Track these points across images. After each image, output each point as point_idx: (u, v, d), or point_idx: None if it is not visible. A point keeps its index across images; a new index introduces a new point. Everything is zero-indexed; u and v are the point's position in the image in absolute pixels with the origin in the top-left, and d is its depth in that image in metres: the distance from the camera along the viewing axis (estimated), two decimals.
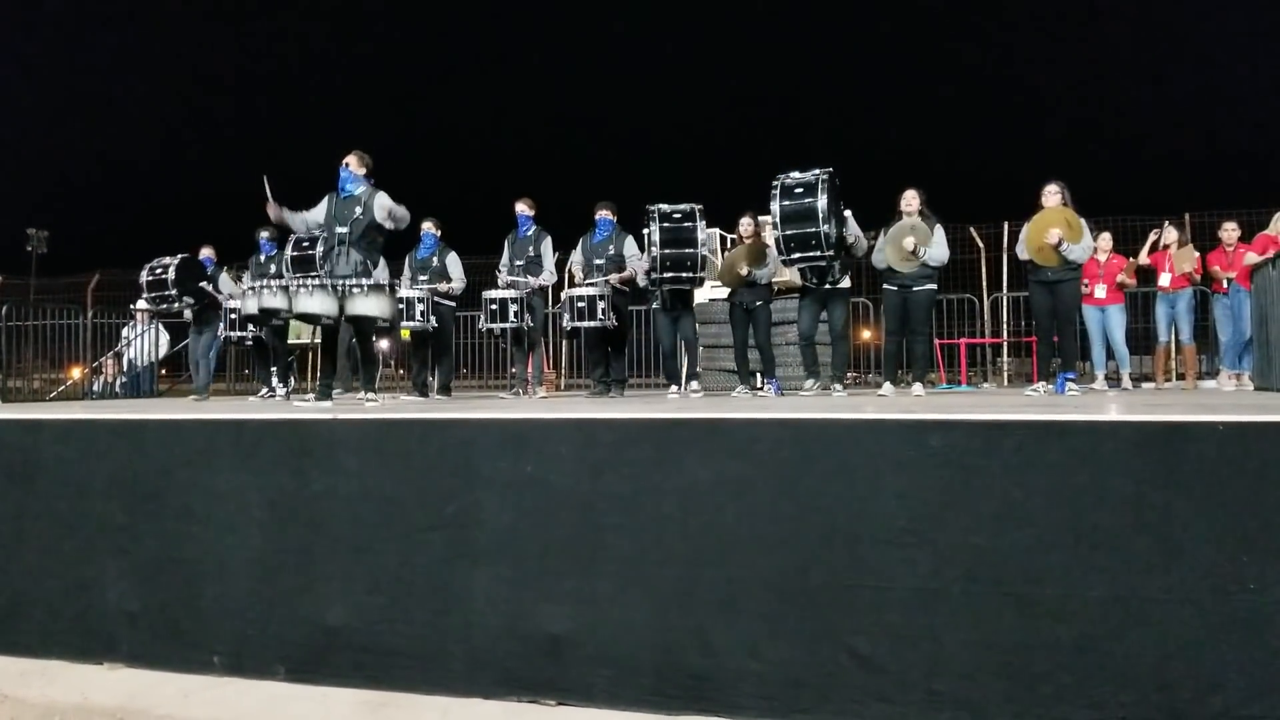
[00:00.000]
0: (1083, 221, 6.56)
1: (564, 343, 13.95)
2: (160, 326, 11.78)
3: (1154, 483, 3.28)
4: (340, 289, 5.89)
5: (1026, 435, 3.46)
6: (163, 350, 11.94)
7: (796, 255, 6.66)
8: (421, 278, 8.04)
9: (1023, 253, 6.76)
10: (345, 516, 4.20)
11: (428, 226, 8.24)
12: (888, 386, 6.84)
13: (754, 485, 3.71)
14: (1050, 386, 6.72)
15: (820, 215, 6.43)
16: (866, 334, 12.40)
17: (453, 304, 8.39)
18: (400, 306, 7.54)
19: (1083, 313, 8.78)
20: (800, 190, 6.55)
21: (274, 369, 8.95)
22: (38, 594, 4.64)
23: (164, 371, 12.80)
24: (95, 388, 11.35)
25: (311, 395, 6.91)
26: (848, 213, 7.04)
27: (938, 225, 6.73)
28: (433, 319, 7.82)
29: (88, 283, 16.36)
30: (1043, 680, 3.28)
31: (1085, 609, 3.28)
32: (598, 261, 7.73)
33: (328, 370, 6.41)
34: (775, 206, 6.60)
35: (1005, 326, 12.76)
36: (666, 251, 6.97)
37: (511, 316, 7.73)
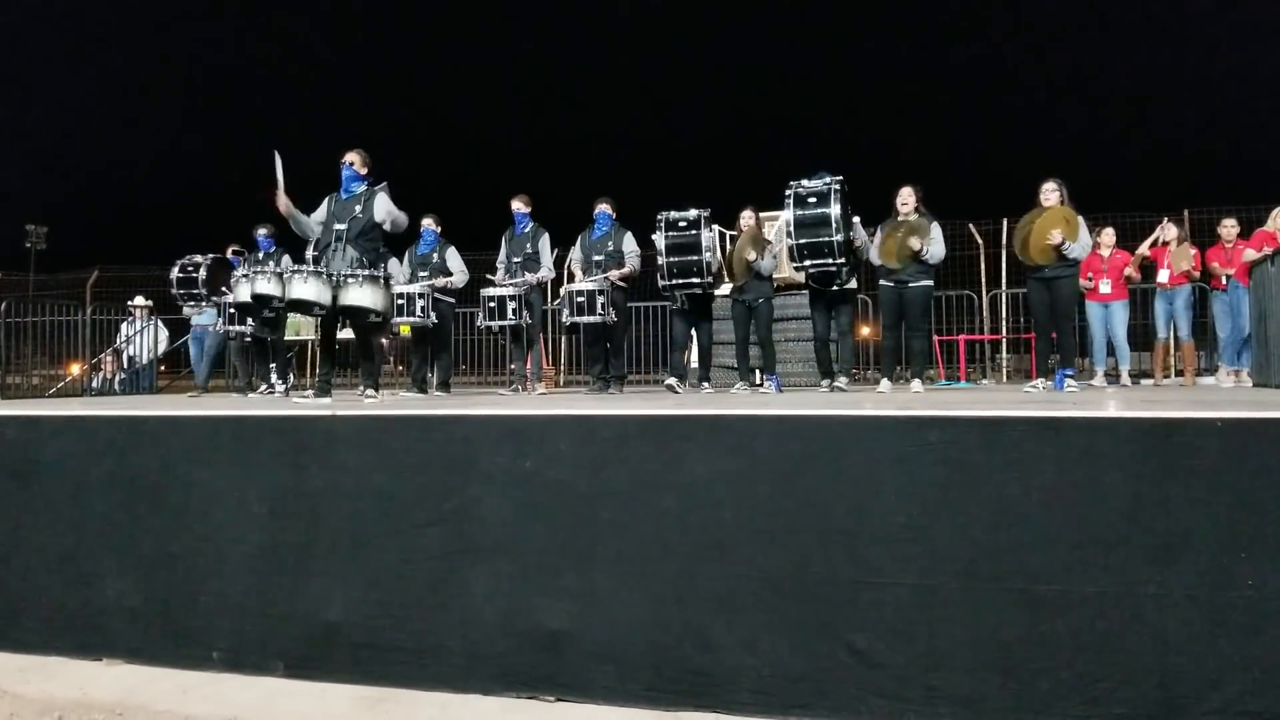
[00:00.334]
0: (1080, 219, 6.56)
1: (563, 339, 13.94)
2: (159, 323, 11.77)
3: (1152, 479, 3.28)
4: (334, 279, 5.88)
5: (1025, 432, 3.47)
6: (162, 347, 11.92)
7: (809, 262, 6.80)
8: (422, 274, 8.04)
9: (1015, 246, 6.79)
10: (344, 512, 4.20)
11: (427, 223, 8.23)
12: (885, 383, 6.84)
13: (753, 482, 3.71)
14: (1049, 383, 6.73)
15: (834, 224, 6.58)
16: (865, 330, 12.40)
17: (452, 300, 8.38)
18: (400, 302, 7.54)
19: (1085, 308, 8.79)
20: (814, 200, 6.70)
21: (272, 365, 8.95)
22: (37, 590, 4.64)
23: (163, 368, 12.79)
24: (94, 384, 11.33)
25: (310, 391, 6.91)
26: (856, 219, 7.14)
27: (935, 224, 6.73)
28: (432, 315, 7.82)
29: (87, 279, 16.35)
30: (1041, 676, 3.29)
31: (1083, 605, 3.28)
32: (597, 257, 7.71)
33: (326, 366, 6.40)
34: (789, 214, 6.72)
35: (1004, 323, 12.76)
36: (672, 260, 7.05)
37: (510, 313, 7.72)
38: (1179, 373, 9.77)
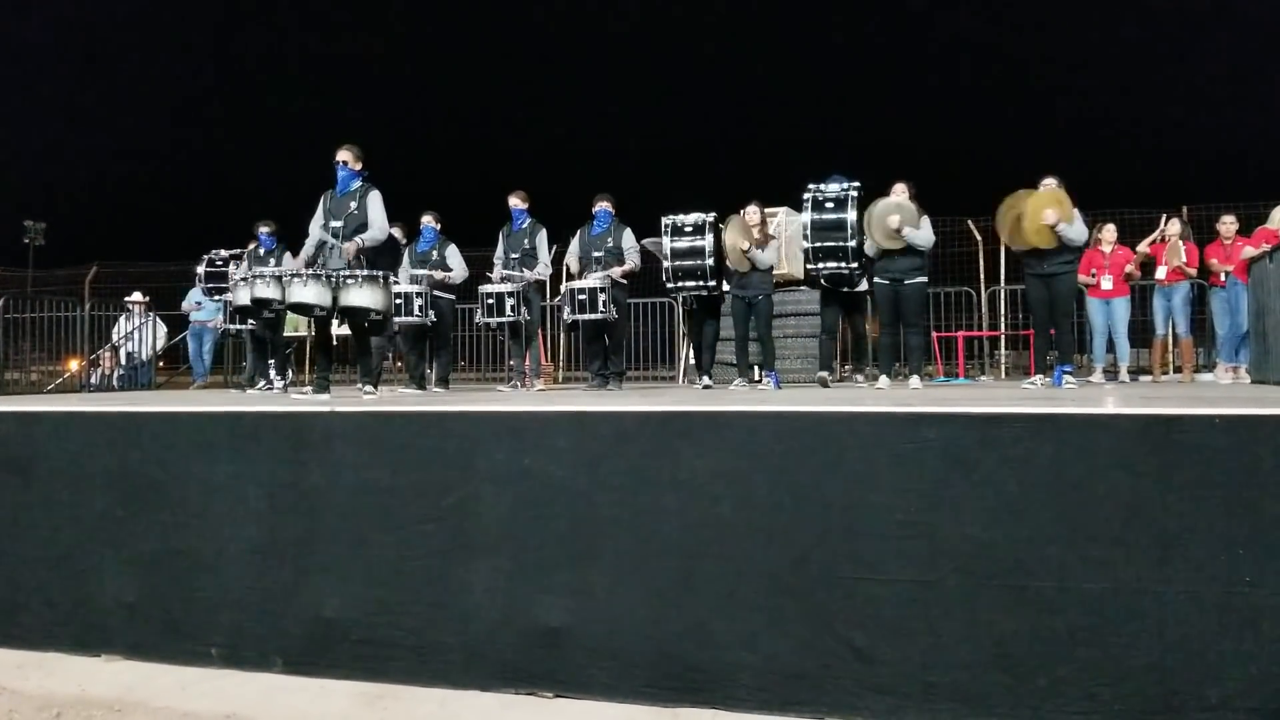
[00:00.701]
0: (1076, 211, 6.56)
1: (562, 336, 13.93)
2: (157, 319, 11.77)
3: (1150, 476, 3.28)
4: (334, 280, 5.88)
5: (1023, 428, 3.47)
6: (160, 343, 11.92)
7: (823, 265, 7.02)
8: (421, 273, 8.03)
9: (1003, 231, 6.81)
10: (343, 509, 4.20)
11: (427, 220, 8.23)
12: (884, 379, 6.85)
13: (751, 478, 3.71)
14: (1047, 379, 6.73)
15: (849, 229, 6.78)
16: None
17: (452, 297, 8.38)
18: (398, 301, 7.54)
19: (1086, 305, 8.79)
20: (831, 205, 6.92)
21: (271, 361, 8.94)
22: (35, 586, 4.64)
23: (162, 364, 12.79)
24: (93, 380, 11.33)
25: (309, 388, 6.91)
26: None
27: (925, 217, 6.76)
28: (431, 313, 7.82)
29: (85, 275, 16.34)
30: (1039, 673, 3.29)
31: (1082, 602, 3.28)
32: (596, 254, 7.72)
33: (323, 363, 6.40)
34: (806, 218, 6.93)
35: (1002, 319, 12.75)
36: (678, 264, 7.21)
37: (508, 310, 7.72)
38: (1177, 369, 9.79)
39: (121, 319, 11.58)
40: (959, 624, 3.40)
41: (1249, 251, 7.85)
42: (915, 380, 6.77)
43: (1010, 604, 3.35)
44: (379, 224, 6.18)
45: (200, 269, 8.91)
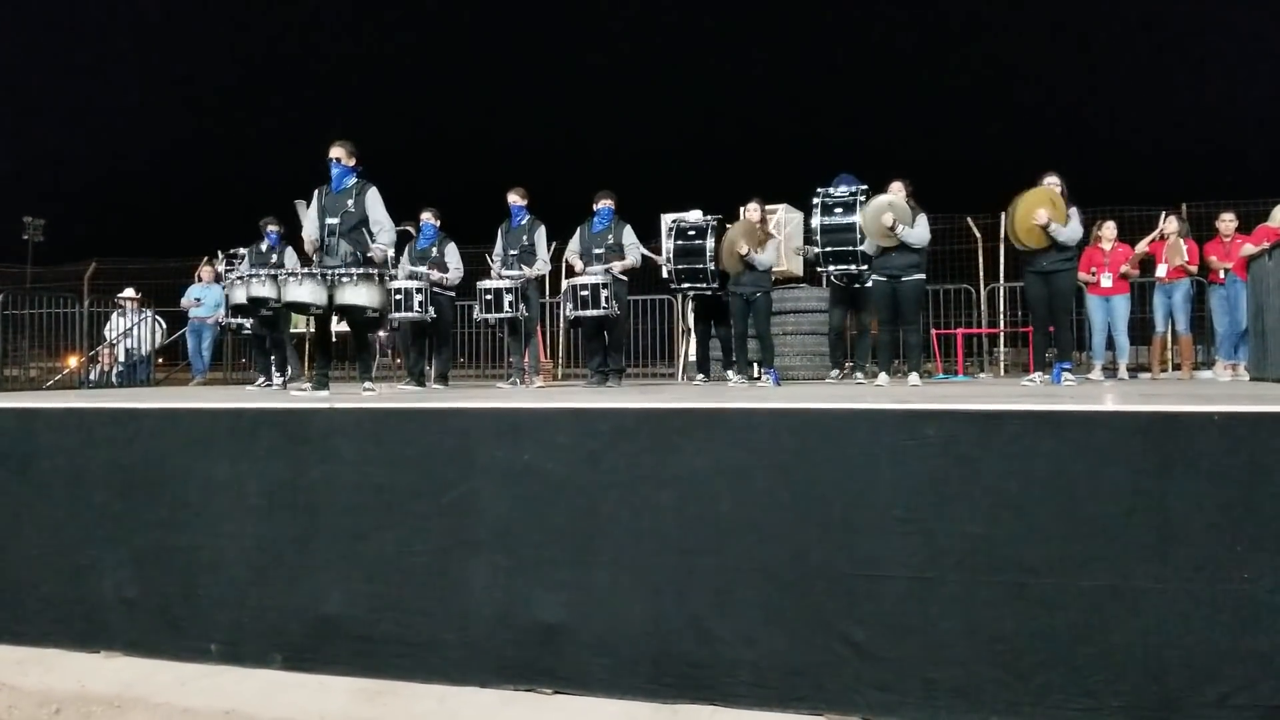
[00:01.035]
0: (1074, 209, 6.55)
1: (561, 332, 13.94)
2: (156, 316, 11.77)
3: (1149, 473, 3.29)
4: (330, 278, 5.85)
5: (1022, 425, 3.47)
6: (159, 339, 11.92)
7: (833, 266, 7.53)
8: (420, 270, 8.03)
9: (1009, 231, 6.85)
10: (342, 505, 4.20)
11: (426, 217, 8.22)
12: (883, 376, 6.85)
13: (751, 474, 3.71)
14: (1047, 377, 6.73)
15: (858, 232, 7.14)
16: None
17: (452, 294, 8.37)
18: (398, 298, 7.54)
19: (1086, 302, 8.80)
20: (840, 209, 7.37)
21: (272, 358, 8.95)
22: (35, 583, 4.64)
23: (160, 360, 12.78)
24: (92, 376, 11.33)
25: (308, 384, 6.90)
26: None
27: (921, 215, 6.76)
28: (431, 309, 7.81)
29: (84, 272, 16.33)
30: (1038, 669, 3.30)
31: (1080, 598, 3.29)
32: (597, 251, 7.72)
33: (322, 359, 6.39)
34: (815, 222, 7.40)
35: (1002, 317, 12.75)
36: (680, 266, 7.51)
37: (507, 307, 7.72)
38: (1176, 367, 9.79)
39: (114, 316, 11.58)
40: (958, 621, 3.40)
41: (1248, 249, 7.85)
42: (914, 377, 6.77)
43: (1009, 601, 3.36)
44: (387, 225, 6.16)
45: (221, 268, 9.01)
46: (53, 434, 4.76)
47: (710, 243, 7.38)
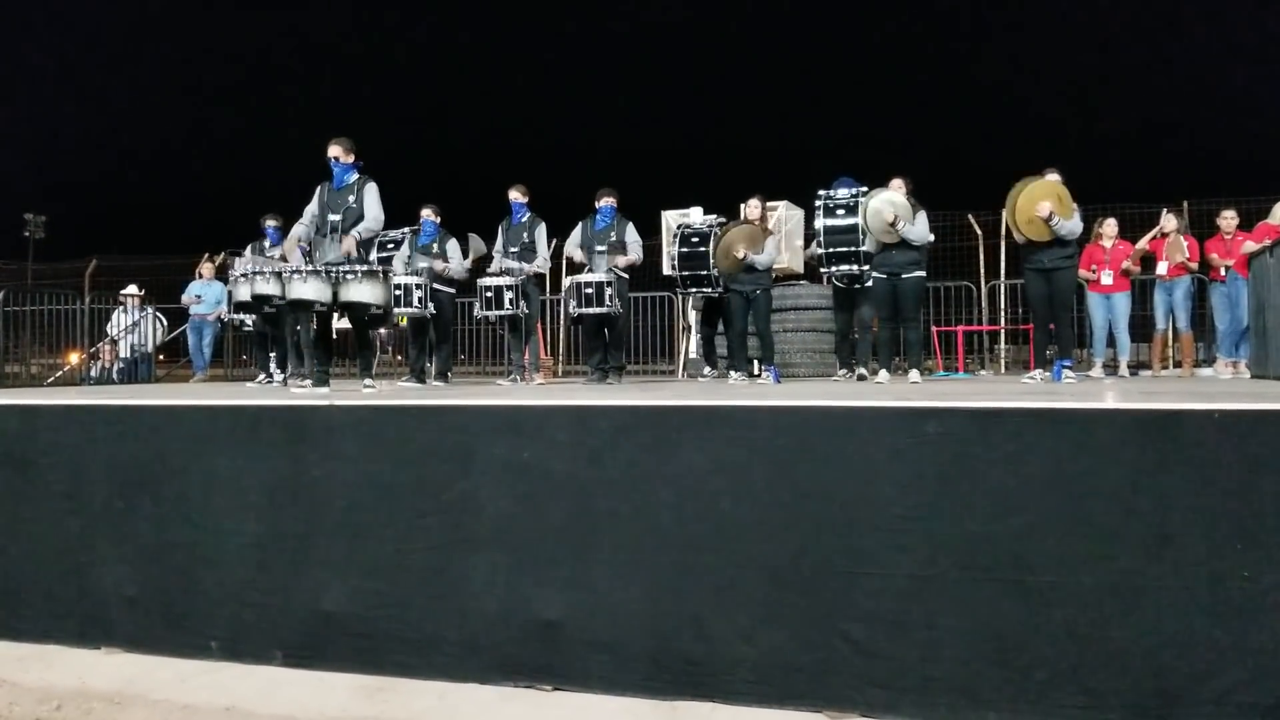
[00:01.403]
0: (1075, 206, 6.54)
1: (561, 329, 13.94)
2: (157, 312, 11.78)
3: (1149, 471, 3.28)
4: (334, 275, 5.86)
5: (1022, 423, 3.47)
6: (160, 336, 11.93)
7: (836, 267, 7.71)
8: (421, 264, 8.03)
9: (1009, 217, 6.81)
10: (342, 502, 4.20)
11: (427, 213, 8.22)
12: (884, 374, 6.84)
13: (750, 472, 3.71)
14: (1047, 374, 6.72)
15: (860, 233, 7.23)
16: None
17: (452, 290, 8.37)
18: (398, 293, 7.53)
19: (1087, 300, 8.79)
20: (842, 211, 7.53)
21: (272, 355, 8.95)
22: (35, 579, 4.65)
23: (161, 357, 12.79)
24: (93, 373, 11.34)
25: (308, 381, 6.91)
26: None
27: (922, 211, 6.75)
28: (431, 305, 7.81)
29: (85, 268, 16.34)
30: (1037, 667, 3.30)
31: (1080, 596, 3.29)
32: (599, 248, 7.72)
33: (323, 357, 6.40)
34: (819, 223, 7.56)
35: (1002, 314, 12.75)
36: (685, 273, 7.65)
37: (507, 303, 7.72)
38: (1177, 364, 9.78)
39: (118, 312, 11.58)
40: (957, 618, 3.40)
41: (1249, 246, 7.85)
42: (914, 374, 6.76)
43: (1008, 598, 3.36)
44: (373, 214, 6.17)
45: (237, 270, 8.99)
46: (53, 431, 4.76)
47: (713, 247, 7.43)
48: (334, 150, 6.21)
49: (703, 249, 7.48)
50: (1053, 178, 6.65)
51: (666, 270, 8.24)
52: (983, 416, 3.53)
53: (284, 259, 6.30)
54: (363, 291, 5.90)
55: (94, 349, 11.40)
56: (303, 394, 5.65)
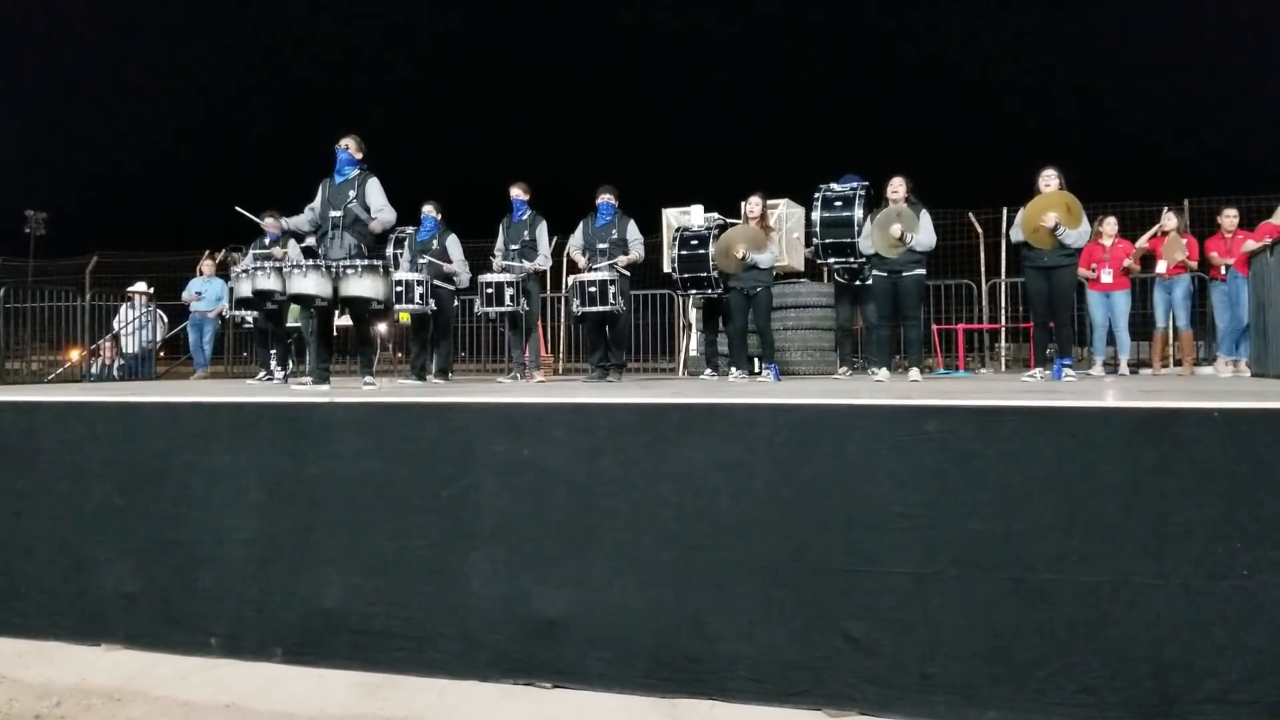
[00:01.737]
0: (1084, 214, 6.54)
1: (562, 327, 13.94)
2: (158, 309, 11.77)
3: (1148, 469, 3.29)
4: (335, 270, 5.89)
5: (1022, 421, 3.47)
6: (161, 333, 11.93)
7: (832, 259, 7.76)
8: (421, 261, 8.03)
9: (1016, 235, 6.78)
10: (342, 499, 4.20)
11: (428, 210, 8.22)
12: (884, 372, 6.84)
13: (750, 470, 3.71)
14: (1047, 372, 6.72)
15: (855, 226, 7.36)
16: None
17: (452, 287, 8.37)
18: (399, 289, 7.53)
19: (1087, 298, 8.78)
20: (839, 203, 7.60)
21: (273, 352, 8.95)
22: (35, 576, 4.65)
23: (162, 354, 12.79)
24: (93, 370, 11.33)
25: (309, 379, 6.91)
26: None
27: (923, 211, 6.74)
28: (431, 302, 7.81)
29: (86, 265, 16.35)
30: (1036, 665, 3.30)
31: (1079, 594, 3.29)
32: (601, 246, 7.72)
33: (324, 354, 6.40)
34: (815, 215, 7.62)
35: (1003, 312, 12.75)
36: (685, 275, 7.70)
37: (508, 301, 7.72)
38: (1177, 363, 9.78)
39: (123, 308, 11.58)
40: (957, 616, 3.40)
41: (1250, 245, 7.84)
42: (915, 372, 6.76)
43: (1008, 596, 3.36)
44: (378, 205, 6.20)
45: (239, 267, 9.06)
46: (54, 428, 4.77)
47: (711, 248, 7.44)
48: (347, 140, 6.31)
49: (702, 251, 7.49)
50: (1049, 173, 6.63)
51: (667, 269, 8.21)
52: (983, 415, 3.53)
53: (281, 244, 6.39)
54: (363, 286, 5.91)
55: (95, 346, 11.40)
56: (303, 391, 5.66)
